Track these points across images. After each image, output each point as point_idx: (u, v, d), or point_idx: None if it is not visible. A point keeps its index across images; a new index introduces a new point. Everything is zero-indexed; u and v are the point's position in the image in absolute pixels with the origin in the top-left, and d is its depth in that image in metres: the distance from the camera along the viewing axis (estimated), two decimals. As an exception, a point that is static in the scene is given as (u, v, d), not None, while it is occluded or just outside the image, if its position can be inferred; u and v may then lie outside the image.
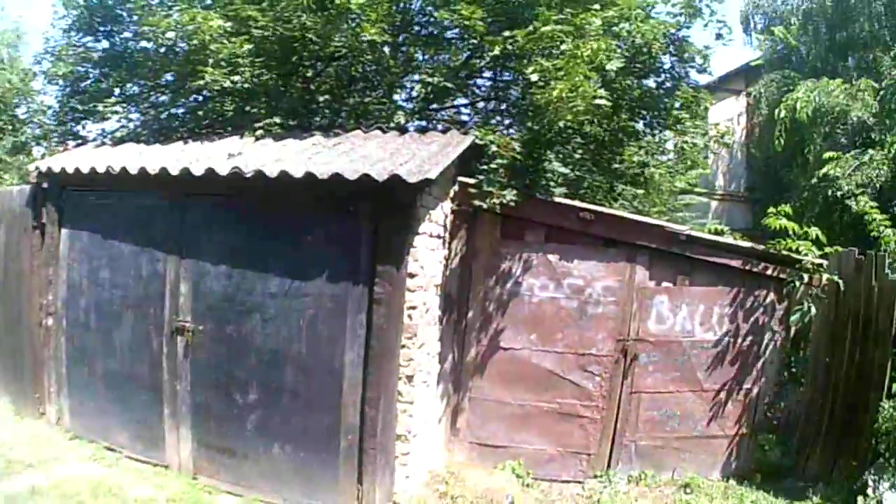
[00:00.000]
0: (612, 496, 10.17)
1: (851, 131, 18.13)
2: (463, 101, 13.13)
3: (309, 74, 11.88)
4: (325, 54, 11.36)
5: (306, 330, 8.85)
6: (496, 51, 10.71)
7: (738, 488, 10.47)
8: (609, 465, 10.74)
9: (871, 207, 12.68)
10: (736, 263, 10.65)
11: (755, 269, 10.70)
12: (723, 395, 10.86)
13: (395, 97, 12.64)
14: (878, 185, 15.77)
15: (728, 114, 23.71)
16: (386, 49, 11.93)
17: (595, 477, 10.63)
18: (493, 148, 9.93)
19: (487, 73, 12.75)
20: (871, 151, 16.43)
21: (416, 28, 12.57)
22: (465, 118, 13.37)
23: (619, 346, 10.54)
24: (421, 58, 12.63)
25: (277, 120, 10.75)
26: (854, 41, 20.25)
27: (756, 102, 22.20)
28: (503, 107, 12.76)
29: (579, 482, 10.60)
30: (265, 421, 9.01)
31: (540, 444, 10.64)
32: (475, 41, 11.47)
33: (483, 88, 13.11)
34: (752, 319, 10.88)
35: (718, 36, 12.38)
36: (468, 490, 9.73)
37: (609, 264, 10.52)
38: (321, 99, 11.83)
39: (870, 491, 9.41)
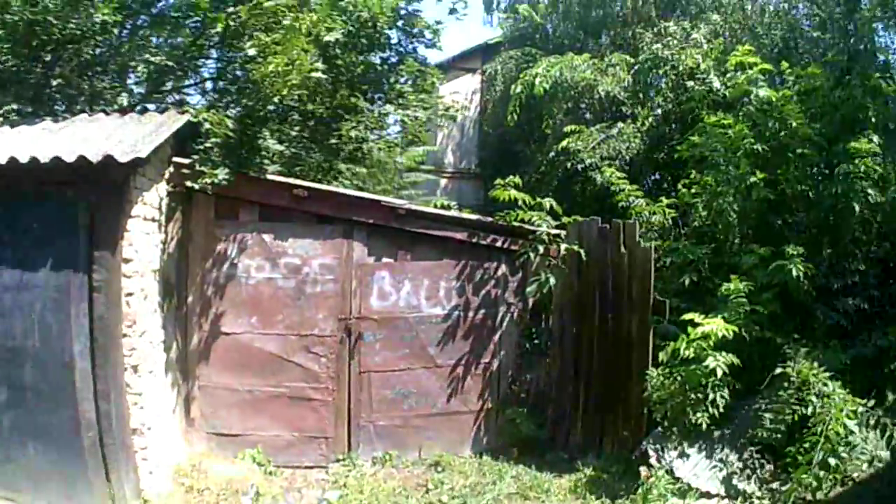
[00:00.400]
0: (358, 479, 10.08)
1: (599, 105, 18.41)
2: (191, 82, 12.93)
3: (48, 59, 11.81)
4: (64, 37, 11.01)
5: (38, 323, 8.41)
6: (219, 27, 10.61)
7: (495, 464, 10.49)
8: (350, 448, 10.68)
9: (619, 178, 13.00)
10: (461, 236, 10.73)
11: (483, 242, 10.78)
12: (460, 370, 10.89)
13: (129, 81, 12.41)
14: (627, 158, 15.99)
15: (462, 91, 23.69)
16: (120, 30, 11.64)
17: (338, 461, 10.54)
18: (207, 126, 9.76)
19: (215, 53, 12.48)
20: (620, 125, 16.68)
21: (153, 9, 12.40)
22: (195, 99, 13.06)
23: (342, 325, 10.47)
24: (156, 40, 12.47)
25: (15, 106, 10.37)
26: (612, 18, 20.65)
27: (492, 79, 22.28)
28: (227, 86, 12.59)
29: (323, 467, 10.51)
30: (17, 421, 8.48)
31: (276, 431, 10.52)
32: (199, 19, 11.20)
33: (212, 69, 12.92)
34: (483, 292, 10.96)
35: (452, 10, 12.47)
36: (212, 482, 9.55)
37: (325, 242, 10.45)
38: (54, 83, 11.64)
39: (653, 460, 9.47)
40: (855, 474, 9.48)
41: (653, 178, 17.34)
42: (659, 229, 12.53)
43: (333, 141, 12.34)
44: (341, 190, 11.25)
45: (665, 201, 12.76)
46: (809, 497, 8.89)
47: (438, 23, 12.45)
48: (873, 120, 12.95)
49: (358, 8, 11.12)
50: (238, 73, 11.68)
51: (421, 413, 10.80)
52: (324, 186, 10.90)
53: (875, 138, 12.30)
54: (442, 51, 13.73)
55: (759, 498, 9.06)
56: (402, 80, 12.57)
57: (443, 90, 17.38)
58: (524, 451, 10.71)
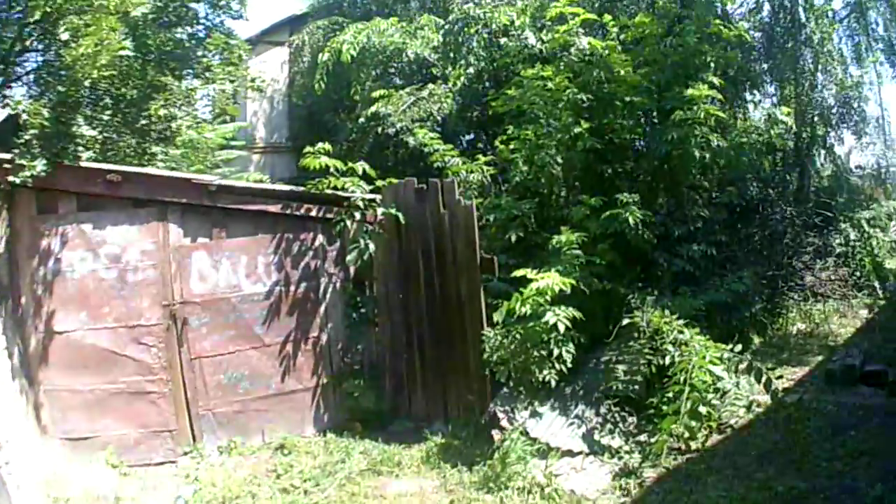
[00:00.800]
0: (208, 471, 9.73)
1: (408, 69, 18.48)
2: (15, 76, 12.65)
3: None
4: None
5: None
6: (38, 15, 10.17)
7: (340, 440, 10.26)
8: (195, 439, 10.31)
9: (433, 139, 12.94)
10: (275, 209, 10.49)
11: (298, 213, 10.57)
12: (289, 347, 10.66)
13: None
14: (439, 119, 15.95)
15: (271, 64, 23.78)
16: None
17: (186, 454, 10.18)
18: (25, 117, 9.49)
19: (39, 45, 12.23)
20: (431, 86, 16.59)
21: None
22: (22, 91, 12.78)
23: (167, 312, 10.12)
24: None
25: None
26: None
27: (299, 50, 22.48)
28: (44, 75, 12.36)
29: (173, 462, 10.14)
30: None
31: (122, 429, 10.06)
32: (21, 9, 10.89)
33: (37, 62, 12.66)
34: (302, 265, 10.74)
35: None
36: (73, 491, 9.07)
37: (142, 226, 10.10)
38: None
39: (504, 422, 9.33)
40: (732, 421, 9.58)
41: (467, 137, 17.57)
42: (478, 187, 12.52)
43: (144, 122, 12.01)
44: (153, 171, 10.88)
45: (483, 159, 12.79)
46: (684, 447, 8.92)
47: None
48: (712, 66, 13.11)
49: (166, -19, 10.83)
50: (53, 60, 11.42)
51: (257, 396, 10.52)
52: (136, 169, 10.55)
53: (716, 82, 12.38)
54: (248, 21, 13.56)
55: (627, 452, 9.01)
56: (209, 54, 12.40)
57: (252, 65, 17.25)
58: (367, 424, 10.55)
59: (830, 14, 21.26)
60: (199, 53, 12.27)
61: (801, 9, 18.54)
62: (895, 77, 23.15)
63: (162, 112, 11.94)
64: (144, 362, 10.05)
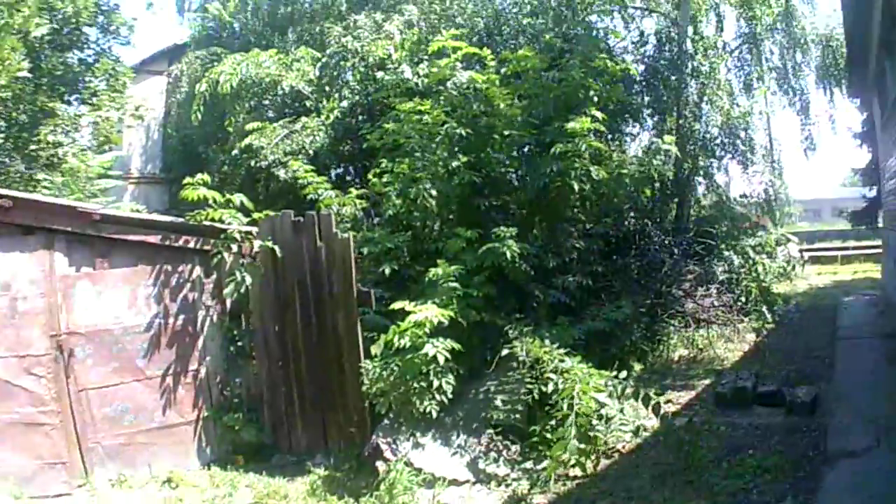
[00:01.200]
0: None
1: (282, 102, 18.98)
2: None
3: None
4: None
5: None
6: None
7: (225, 474, 10.35)
8: (87, 472, 10.34)
9: (307, 171, 13.19)
10: (155, 240, 10.62)
11: (177, 244, 10.71)
12: (169, 380, 10.78)
13: None
14: (311, 152, 16.35)
15: (149, 93, 23.53)
16: None
17: (80, 486, 10.21)
18: None
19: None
20: (304, 119, 17.07)
21: None
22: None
23: (54, 343, 10.17)
24: None
25: None
26: (300, 14, 21.37)
27: (177, 81, 22.72)
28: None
29: (69, 494, 10.13)
30: None
31: (20, 461, 9.99)
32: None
33: None
34: (181, 297, 10.86)
35: (149, 4, 12.57)
36: None
37: (32, 254, 10.16)
38: None
39: (388, 454, 9.53)
40: (619, 445, 9.90)
41: (338, 170, 17.88)
42: (351, 220, 12.78)
43: (33, 147, 12.21)
44: (41, 197, 11.01)
45: (354, 192, 13.09)
46: (573, 472, 9.13)
47: (134, 19, 12.64)
48: (595, 99, 13.58)
49: (65, 4, 11.07)
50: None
51: (142, 429, 10.63)
52: (26, 195, 10.67)
53: (598, 115, 12.82)
54: (136, 48, 13.96)
55: (515, 479, 9.25)
56: (96, 79, 12.68)
57: (132, 93, 16.98)
58: (250, 457, 10.72)
59: (721, 45, 22.10)
60: (87, 78, 12.52)
61: (689, 40, 19.27)
62: (789, 106, 24.19)
63: (50, 138, 12.12)
64: (36, 393, 10.09)
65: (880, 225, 26.10)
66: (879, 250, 27.08)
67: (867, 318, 17.34)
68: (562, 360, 9.67)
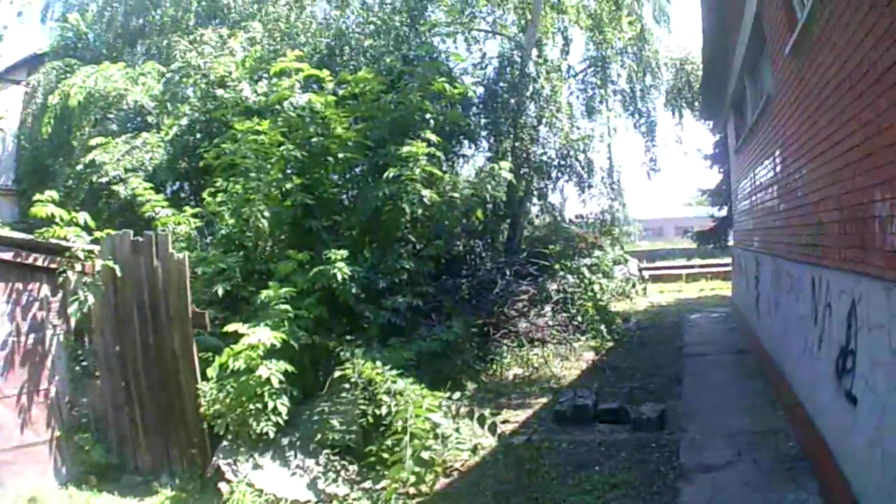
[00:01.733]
0: None
1: (126, 116, 19.09)
2: None
3: None
4: None
5: None
6: None
7: (81, 494, 10.42)
8: None
9: (146, 189, 13.44)
10: (8, 256, 10.62)
11: (27, 262, 10.72)
12: (24, 399, 10.79)
13: None
14: (150, 169, 16.52)
15: (11, 104, 23.73)
16: None
17: None
18: None
19: None
20: (145, 135, 17.19)
21: None
22: None
23: (-83, 360, 10.35)
24: None
25: None
26: (150, 27, 21.71)
27: (34, 91, 22.41)
28: None
29: None
30: None
31: None
32: None
33: None
34: (30, 315, 10.89)
35: (20, 14, 12.68)
36: None
37: None
38: None
39: (229, 475, 9.69)
40: (458, 464, 10.24)
41: (174, 187, 17.89)
42: (185, 239, 12.97)
43: None
44: None
45: (189, 211, 13.35)
46: (412, 491, 9.36)
47: (5, 27, 12.72)
48: (432, 122, 14.26)
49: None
50: None
51: (3, 448, 10.52)
52: None
53: (433, 138, 13.43)
54: (2, 56, 13.91)
55: (355, 499, 9.41)
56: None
57: None
58: (101, 477, 10.78)
59: (566, 69, 22.96)
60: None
61: (532, 63, 20.00)
62: (634, 128, 25.23)
63: None
64: None
65: (730, 243, 27.17)
66: (726, 268, 28.86)
67: (716, 335, 18.30)
68: (394, 382, 10.03)
